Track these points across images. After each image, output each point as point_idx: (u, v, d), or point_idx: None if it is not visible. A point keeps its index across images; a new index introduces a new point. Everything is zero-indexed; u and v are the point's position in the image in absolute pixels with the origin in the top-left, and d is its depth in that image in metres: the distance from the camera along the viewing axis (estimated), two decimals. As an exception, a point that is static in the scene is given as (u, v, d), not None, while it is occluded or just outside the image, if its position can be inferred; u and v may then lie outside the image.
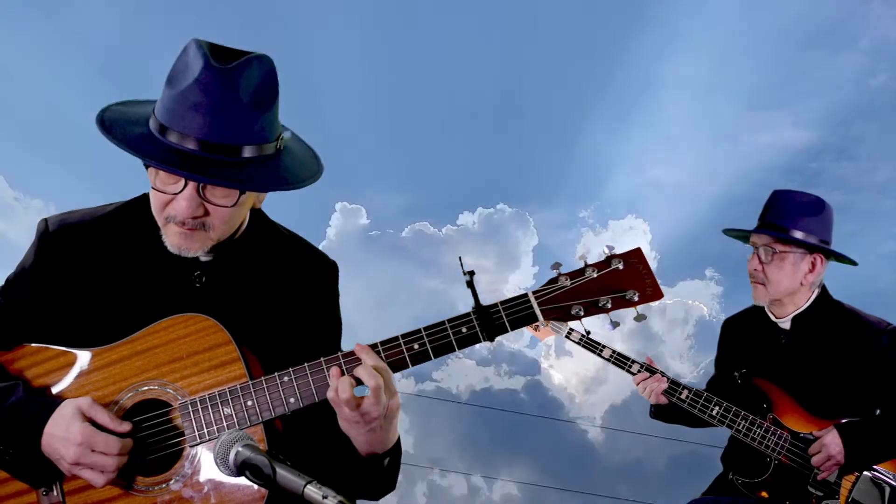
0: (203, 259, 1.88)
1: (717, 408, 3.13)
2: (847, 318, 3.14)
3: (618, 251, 1.81)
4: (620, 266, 1.79)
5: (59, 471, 1.73)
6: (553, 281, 1.80)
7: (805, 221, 3.09)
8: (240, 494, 1.71)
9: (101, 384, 1.79)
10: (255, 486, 1.67)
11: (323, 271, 2.00)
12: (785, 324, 3.19)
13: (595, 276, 1.79)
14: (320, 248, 2.05)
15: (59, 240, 1.87)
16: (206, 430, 1.74)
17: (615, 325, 1.81)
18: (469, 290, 1.77)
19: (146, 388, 1.78)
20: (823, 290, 3.19)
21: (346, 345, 2.00)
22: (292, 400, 1.74)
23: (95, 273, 1.87)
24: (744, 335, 3.34)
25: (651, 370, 3.27)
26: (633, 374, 3.29)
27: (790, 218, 3.10)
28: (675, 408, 3.25)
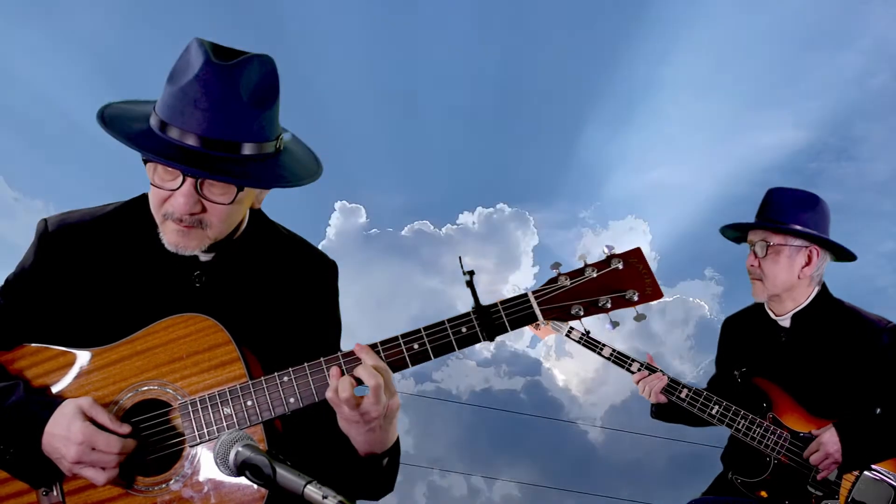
0: (203, 259, 1.88)
1: (716, 407, 3.13)
2: (847, 316, 3.14)
3: (617, 251, 1.81)
4: (620, 266, 1.79)
5: (60, 471, 1.73)
6: (553, 281, 1.80)
7: (800, 215, 3.10)
8: (240, 494, 1.71)
9: (101, 384, 1.80)
10: (255, 486, 1.67)
11: (323, 271, 2.00)
12: (785, 322, 3.19)
13: (595, 275, 1.79)
14: (319, 247, 2.06)
15: (58, 240, 1.87)
16: (205, 430, 1.74)
17: (615, 324, 1.81)
18: (469, 290, 1.77)
19: (146, 388, 1.78)
20: (824, 288, 3.19)
21: (346, 345, 2.00)
22: (292, 400, 1.74)
23: (95, 273, 1.87)
24: (744, 334, 3.34)
25: (651, 369, 3.27)
26: (633, 372, 3.29)
27: (785, 212, 3.11)
28: (675, 407, 3.25)
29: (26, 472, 1.76)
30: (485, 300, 1.77)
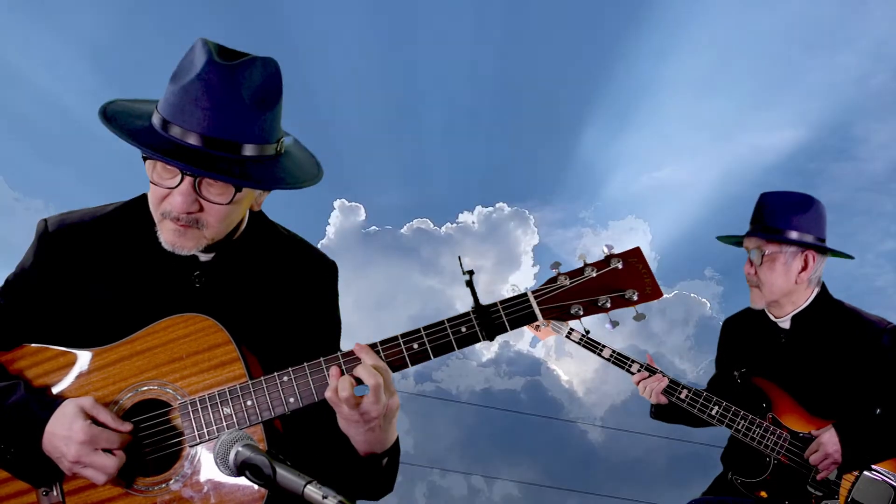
0: (203, 259, 1.88)
1: (716, 407, 3.13)
2: (847, 317, 3.13)
3: (617, 251, 1.81)
4: (620, 265, 1.79)
5: (60, 470, 1.73)
6: (552, 280, 1.80)
7: (795, 219, 3.08)
8: (240, 494, 1.71)
9: (100, 384, 1.80)
10: (255, 486, 1.67)
11: (322, 271, 2.00)
12: (785, 323, 3.19)
13: (594, 275, 1.79)
14: (319, 246, 2.06)
15: (58, 240, 1.87)
16: (205, 430, 1.74)
17: (614, 324, 1.81)
18: (468, 290, 1.77)
19: (146, 388, 1.78)
20: (823, 288, 3.18)
21: (346, 345, 2.00)
22: (292, 400, 1.74)
23: (95, 273, 1.87)
24: (744, 335, 3.34)
25: (651, 369, 3.27)
26: (633, 373, 3.29)
27: (780, 217, 3.09)
28: (675, 407, 3.24)
29: (26, 472, 1.76)
30: (485, 300, 1.78)
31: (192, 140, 1.66)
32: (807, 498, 3.03)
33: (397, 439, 1.83)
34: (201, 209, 1.74)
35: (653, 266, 1.82)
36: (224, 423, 1.73)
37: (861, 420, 3.02)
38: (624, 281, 1.79)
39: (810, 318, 3.14)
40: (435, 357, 1.76)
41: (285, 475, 1.43)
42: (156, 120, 1.71)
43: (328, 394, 1.71)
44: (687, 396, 3.17)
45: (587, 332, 1.84)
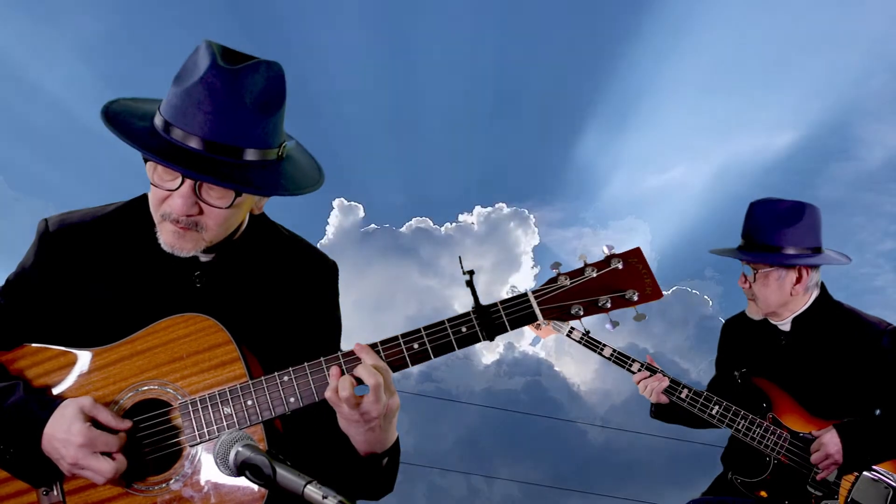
0: (203, 259, 1.88)
1: (716, 407, 3.13)
2: (847, 318, 3.13)
3: (617, 251, 1.81)
4: (620, 265, 1.79)
5: (60, 470, 1.73)
6: (553, 280, 1.80)
7: (787, 233, 3.04)
8: (240, 494, 1.71)
9: (101, 384, 1.80)
10: (255, 486, 1.67)
11: (323, 271, 2.00)
12: (785, 325, 3.19)
13: (594, 275, 1.79)
14: (318, 246, 2.06)
15: (59, 240, 1.87)
16: (206, 430, 1.74)
17: (615, 324, 1.81)
18: (468, 290, 1.77)
19: (146, 387, 1.78)
20: (823, 290, 3.18)
21: (346, 344, 2.00)
22: (292, 399, 1.74)
23: (95, 273, 1.87)
24: (744, 336, 3.33)
25: (651, 369, 3.27)
26: (634, 372, 3.29)
27: (769, 233, 3.06)
28: (675, 407, 3.24)
29: (26, 472, 1.76)
30: (484, 301, 1.78)
31: (194, 143, 1.66)
32: (807, 498, 3.04)
33: (397, 439, 1.83)
34: (201, 212, 1.74)
35: (653, 266, 1.82)
36: (224, 423, 1.73)
37: (862, 421, 3.02)
38: (624, 281, 1.79)
39: (810, 321, 3.14)
40: (435, 357, 1.76)
41: (285, 475, 1.43)
42: (158, 121, 1.71)
43: (328, 394, 1.71)
44: (687, 396, 3.17)
45: (587, 332, 1.84)
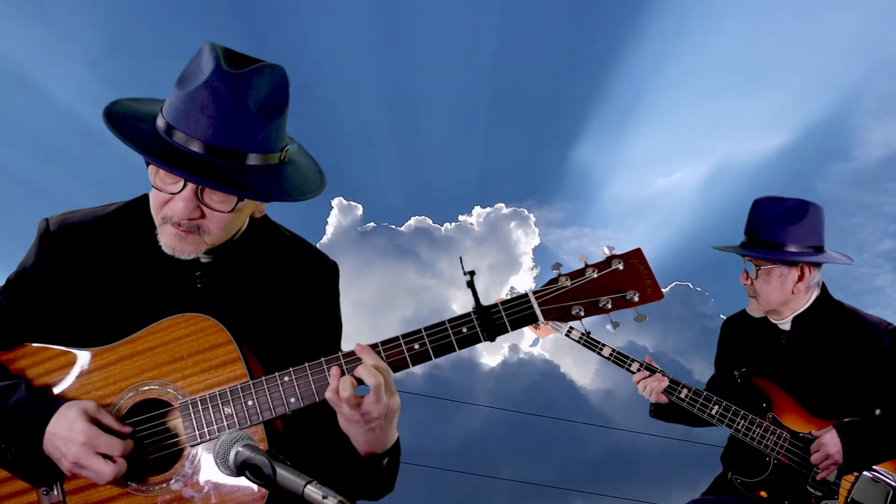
0: (204, 260, 1.88)
1: (716, 407, 3.13)
2: (847, 318, 3.13)
3: (618, 251, 1.81)
4: (621, 266, 1.79)
5: (60, 470, 1.73)
6: (553, 281, 1.80)
7: (790, 231, 3.05)
8: (240, 494, 1.72)
9: (101, 384, 1.80)
10: (256, 486, 1.67)
11: (323, 272, 2.00)
12: (785, 324, 3.19)
13: (595, 276, 1.79)
14: (318, 245, 2.06)
15: (59, 240, 1.87)
16: (206, 430, 1.74)
17: (615, 325, 1.81)
18: (468, 290, 1.77)
19: (147, 387, 1.78)
20: (824, 289, 3.18)
21: (347, 344, 2.00)
22: (293, 400, 1.74)
23: (96, 273, 1.87)
24: (744, 335, 3.33)
25: (651, 369, 3.26)
26: (633, 372, 3.28)
27: (773, 231, 3.06)
28: (674, 407, 3.24)
29: (27, 472, 1.76)
30: (485, 301, 1.78)
31: (196, 147, 1.65)
32: (806, 498, 3.04)
33: (398, 439, 1.83)
34: (203, 215, 1.74)
35: (652, 267, 1.82)
36: (225, 423, 1.73)
37: (862, 421, 3.02)
38: (625, 282, 1.79)
39: (811, 320, 3.14)
40: (436, 357, 1.76)
41: (285, 475, 1.43)
42: (160, 124, 1.70)
43: (329, 394, 1.71)
44: (687, 396, 3.17)
45: (588, 332, 1.84)
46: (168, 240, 1.77)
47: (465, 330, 1.76)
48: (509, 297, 1.79)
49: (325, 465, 1.81)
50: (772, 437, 3.08)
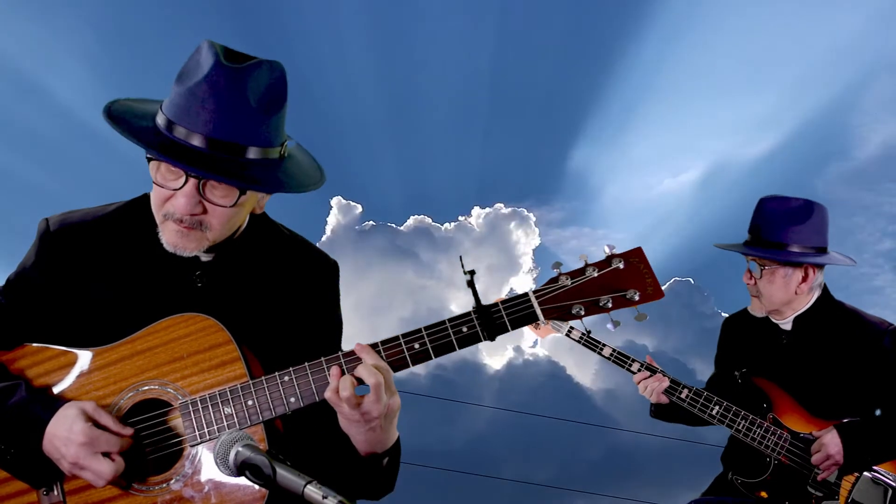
0: (204, 259, 1.88)
1: (717, 407, 3.13)
2: (848, 318, 3.13)
3: (618, 251, 1.81)
4: (621, 265, 1.79)
5: (60, 471, 1.73)
6: (554, 280, 1.80)
7: (795, 231, 3.04)
8: (240, 494, 1.71)
9: (101, 384, 1.79)
10: (256, 486, 1.67)
11: (323, 271, 2.00)
12: (786, 324, 3.18)
13: (595, 275, 1.79)
14: (318, 244, 2.06)
15: (59, 239, 1.87)
16: (206, 430, 1.74)
17: (616, 324, 1.81)
18: (468, 290, 1.77)
19: (146, 387, 1.78)
20: (825, 290, 3.18)
21: (346, 344, 2.00)
22: (293, 399, 1.74)
23: (96, 273, 1.87)
24: (744, 335, 3.33)
25: (651, 369, 3.26)
26: (634, 372, 3.28)
27: (778, 231, 3.05)
28: (675, 407, 3.24)
29: (27, 472, 1.76)
30: (486, 301, 1.77)
31: (197, 141, 1.66)
32: (807, 498, 3.03)
33: (398, 439, 1.83)
34: (205, 211, 1.74)
35: (653, 266, 1.81)
36: (225, 423, 1.73)
37: (863, 422, 3.02)
38: (625, 281, 1.79)
39: (812, 320, 3.14)
40: (436, 357, 1.76)
41: (285, 475, 1.43)
42: (160, 120, 1.71)
43: (328, 394, 1.71)
44: (687, 396, 3.16)
45: (588, 331, 1.84)
46: (170, 237, 1.77)
47: (465, 329, 1.76)
48: (509, 296, 1.79)
49: (325, 465, 1.81)
50: (772, 437, 3.08)
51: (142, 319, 1.81)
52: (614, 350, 3.30)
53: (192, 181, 1.70)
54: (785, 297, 3.09)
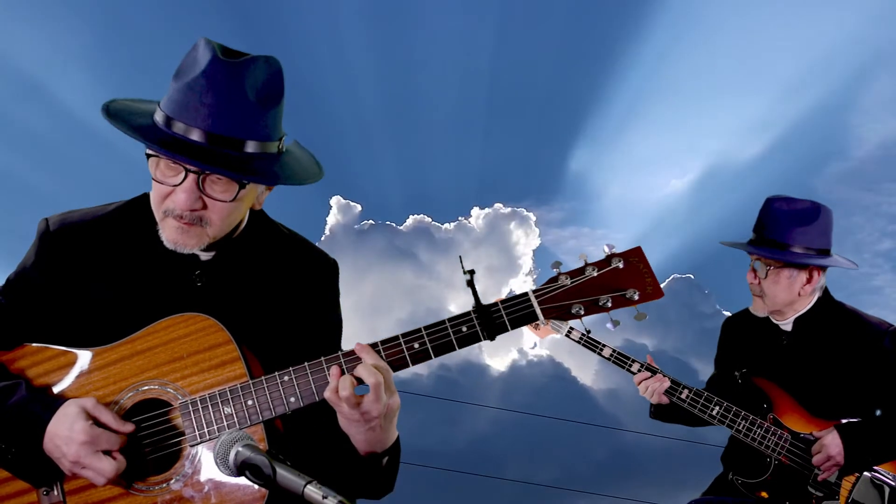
0: (203, 258, 1.88)
1: (717, 408, 3.13)
2: (849, 319, 3.13)
3: (618, 250, 1.81)
4: (620, 265, 1.79)
5: (61, 470, 1.73)
6: (553, 280, 1.80)
7: (801, 232, 3.04)
8: (240, 494, 1.71)
9: (101, 384, 1.79)
10: (256, 486, 1.67)
11: (323, 270, 2.00)
12: (787, 325, 3.18)
13: (595, 274, 1.79)
14: (317, 244, 2.06)
15: (59, 239, 1.87)
16: (206, 430, 1.74)
17: (615, 323, 1.81)
18: (468, 290, 1.77)
19: (146, 387, 1.78)
20: (826, 291, 3.18)
21: (346, 344, 2.00)
22: (293, 399, 1.74)
23: (96, 272, 1.87)
24: (745, 335, 3.33)
25: (651, 369, 3.26)
26: (634, 373, 3.28)
27: (784, 231, 3.05)
28: (675, 407, 3.24)
29: (27, 472, 1.76)
30: (485, 301, 1.77)
31: (196, 136, 1.66)
32: (807, 498, 3.03)
33: (398, 439, 1.83)
34: (204, 207, 1.74)
35: (652, 265, 1.81)
36: (225, 423, 1.73)
37: (863, 422, 3.02)
38: (625, 280, 1.79)
39: (812, 321, 3.14)
40: (436, 356, 1.76)
41: (285, 475, 1.43)
42: (159, 117, 1.72)
43: (328, 393, 1.71)
44: (688, 397, 3.16)
45: (588, 331, 1.84)
46: (170, 234, 1.77)
47: (465, 329, 1.76)
48: (509, 296, 1.79)
49: (325, 465, 1.81)
50: (773, 437, 3.08)
51: (142, 319, 1.81)
52: (614, 350, 3.30)
53: (191, 176, 1.70)
54: (788, 297, 3.09)
